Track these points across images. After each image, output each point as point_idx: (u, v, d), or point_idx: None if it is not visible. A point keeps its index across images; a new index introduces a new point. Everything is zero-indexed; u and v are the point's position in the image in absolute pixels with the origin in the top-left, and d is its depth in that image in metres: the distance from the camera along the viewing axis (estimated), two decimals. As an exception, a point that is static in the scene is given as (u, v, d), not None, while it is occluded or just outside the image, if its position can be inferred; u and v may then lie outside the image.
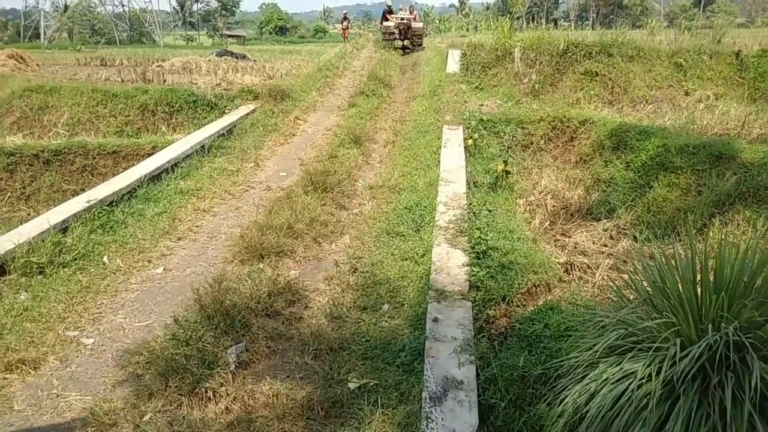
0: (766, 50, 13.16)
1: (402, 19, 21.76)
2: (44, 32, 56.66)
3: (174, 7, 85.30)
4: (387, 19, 22.01)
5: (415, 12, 23.44)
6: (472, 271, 4.78)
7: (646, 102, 11.79)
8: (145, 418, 3.32)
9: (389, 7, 22.55)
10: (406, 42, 21.98)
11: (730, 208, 6.11)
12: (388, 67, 17.05)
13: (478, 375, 3.51)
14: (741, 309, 2.52)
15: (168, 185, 7.44)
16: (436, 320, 4.06)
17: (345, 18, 31.13)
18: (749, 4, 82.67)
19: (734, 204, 6.13)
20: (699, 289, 2.69)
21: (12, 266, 5.04)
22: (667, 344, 2.50)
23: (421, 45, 22.26)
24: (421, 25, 23.11)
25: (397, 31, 21.69)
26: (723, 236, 2.97)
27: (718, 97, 11.75)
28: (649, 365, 2.47)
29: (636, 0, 72.28)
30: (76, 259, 5.30)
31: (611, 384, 2.53)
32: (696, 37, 14.53)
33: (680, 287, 2.71)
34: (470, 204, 6.28)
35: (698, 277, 2.71)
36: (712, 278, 2.68)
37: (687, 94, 12.22)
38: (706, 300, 2.62)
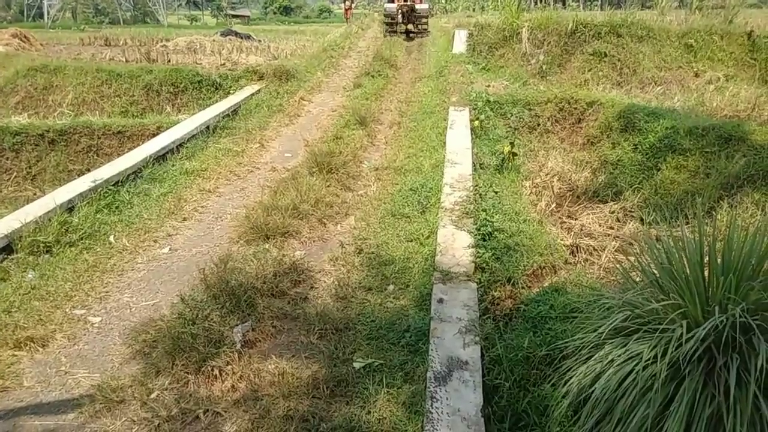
0: (778, 31, 12.94)
1: (405, 0, 19.96)
2: (48, 12, 56.33)
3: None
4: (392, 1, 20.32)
5: None
6: (478, 252, 4.78)
7: (655, 83, 11.65)
8: (152, 396, 3.36)
9: None
10: (409, 26, 20.55)
11: (739, 191, 6.06)
12: (394, 47, 16.88)
13: (482, 355, 3.52)
14: (748, 291, 2.51)
15: (173, 165, 7.44)
16: (441, 301, 4.07)
17: (348, -4, 30.59)
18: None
19: (743, 186, 6.09)
20: (706, 272, 2.67)
21: (19, 245, 5.07)
22: (673, 326, 2.50)
23: (426, 29, 20.62)
24: (426, 6, 20.89)
25: (399, 15, 20.08)
26: (731, 219, 2.93)
27: (728, 79, 11.58)
28: (654, 347, 2.47)
29: (646, -21, 71.03)
30: (82, 239, 5.33)
31: (617, 365, 2.53)
32: (707, 17, 14.28)
33: (687, 269, 2.70)
34: (476, 186, 6.25)
35: (705, 260, 2.70)
36: (719, 260, 2.66)
37: (697, 75, 12.06)
38: (714, 282, 2.61)
